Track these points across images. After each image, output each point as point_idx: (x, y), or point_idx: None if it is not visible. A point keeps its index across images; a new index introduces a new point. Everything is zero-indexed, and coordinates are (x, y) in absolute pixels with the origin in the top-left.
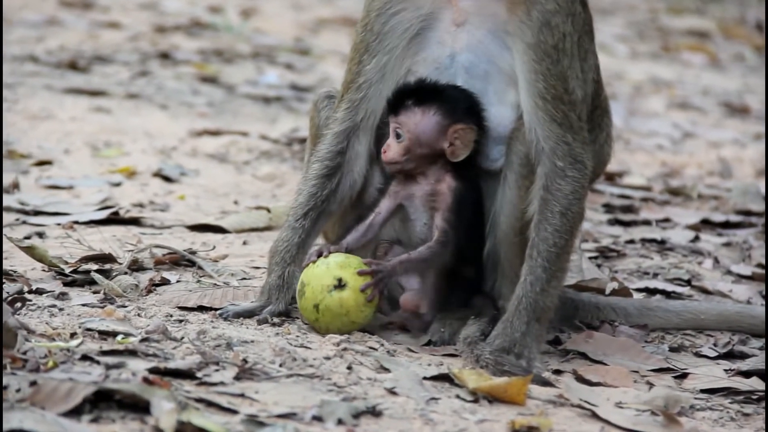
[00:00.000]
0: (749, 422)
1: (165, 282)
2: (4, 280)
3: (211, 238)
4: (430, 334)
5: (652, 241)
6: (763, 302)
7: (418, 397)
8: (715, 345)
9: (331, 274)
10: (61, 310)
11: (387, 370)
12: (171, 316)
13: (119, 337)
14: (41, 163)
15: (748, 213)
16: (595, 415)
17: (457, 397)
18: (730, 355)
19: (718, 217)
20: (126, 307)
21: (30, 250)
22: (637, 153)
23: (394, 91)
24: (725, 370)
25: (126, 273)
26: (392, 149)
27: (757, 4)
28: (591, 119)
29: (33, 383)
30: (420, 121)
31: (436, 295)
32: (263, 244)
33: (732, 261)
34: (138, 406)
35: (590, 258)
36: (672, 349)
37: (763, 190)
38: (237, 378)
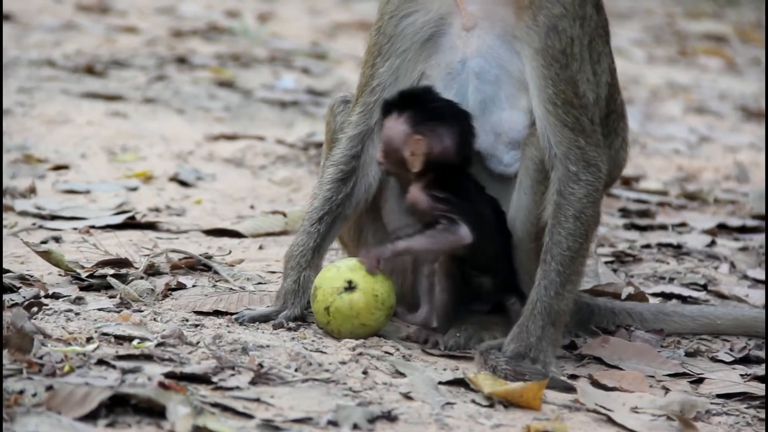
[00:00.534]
0: (765, 427)
1: (181, 286)
2: (21, 285)
3: (227, 242)
4: (445, 338)
5: (669, 245)
6: None
7: (433, 402)
8: (731, 350)
9: (342, 276)
10: (77, 314)
11: (402, 374)
12: (187, 320)
13: (135, 342)
14: (58, 168)
15: (764, 218)
16: (610, 420)
17: (473, 401)
18: (746, 360)
19: (735, 222)
20: (142, 311)
21: (46, 255)
22: (653, 157)
23: (397, 93)
24: (741, 375)
25: (142, 277)
26: (378, 150)
27: None
28: (606, 124)
29: (49, 388)
30: (391, 126)
31: (445, 309)
32: (279, 249)
33: (748, 266)
34: (154, 411)
35: (606, 263)
36: (688, 354)
37: None
38: (252, 383)
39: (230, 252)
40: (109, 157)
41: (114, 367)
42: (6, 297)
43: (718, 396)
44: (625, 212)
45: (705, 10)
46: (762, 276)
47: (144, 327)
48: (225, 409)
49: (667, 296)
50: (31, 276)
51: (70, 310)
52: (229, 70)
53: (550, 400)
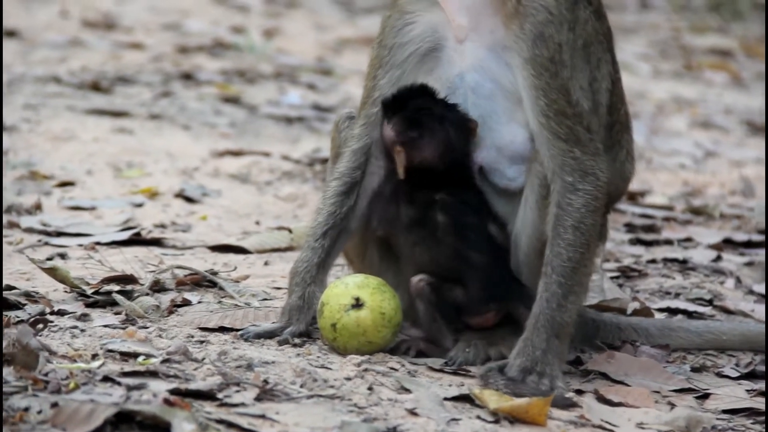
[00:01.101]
0: None
1: (186, 303)
2: (26, 302)
3: (232, 258)
4: (454, 353)
5: (674, 260)
6: None
7: (438, 418)
8: (737, 365)
9: (349, 293)
10: (82, 331)
11: (408, 390)
12: (192, 337)
13: (140, 359)
14: (64, 184)
15: (765, 232)
16: None
17: (478, 417)
18: (752, 376)
19: (741, 237)
20: (147, 328)
21: (52, 272)
22: (659, 172)
23: (395, 90)
24: (747, 391)
25: (147, 294)
26: None
27: None
28: (610, 135)
29: (54, 405)
30: (383, 130)
31: (435, 327)
32: (285, 265)
33: (754, 281)
34: (159, 428)
35: (612, 278)
36: (694, 370)
37: None
38: (258, 399)
39: (236, 268)
40: (115, 173)
41: (119, 383)
42: (11, 314)
43: (724, 411)
44: (630, 227)
45: (710, 25)
46: None
47: (149, 343)
48: (230, 425)
49: (673, 311)
50: (37, 293)
51: (76, 327)
52: (235, 86)
53: (555, 416)
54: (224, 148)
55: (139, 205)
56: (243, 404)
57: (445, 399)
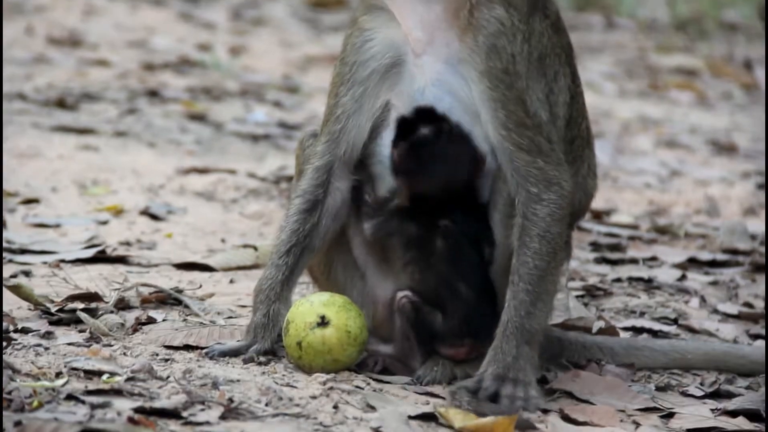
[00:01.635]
0: None
1: (151, 321)
2: None
3: (197, 276)
4: (421, 372)
5: (639, 279)
6: (750, 341)
7: None
8: (701, 384)
9: (315, 311)
10: (46, 349)
11: (373, 408)
12: (157, 355)
13: (105, 377)
14: (28, 201)
15: (735, 252)
16: None
17: None
18: (716, 395)
19: (705, 256)
20: (112, 346)
21: (16, 289)
22: (624, 191)
23: (413, 111)
24: (712, 410)
25: (112, 312)
26: None
27: (746, 42)
28: (571, 150)
29: (18, 423)
30: (391, 150)
31: (409, 345)
32: (250, 283)
33: (719, 300)
34: None
35: (577, 296)
36: (659, 389)
37: (750, 228)
38: (223, 417)
39: (201, 286)
40: (80, 190)
41: (83, 402)
42: None
43: (689, 430)
44: (596, 246)
45: (676, 44)
46: (732, 310)
47: (114, 361)
48: None
49: (638, 330)
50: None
51: (40, 345)
52: (201, 103)
53: None
54: (190, 166)
55: (104, 223)
56: (208, 423)
57: (411, 417)
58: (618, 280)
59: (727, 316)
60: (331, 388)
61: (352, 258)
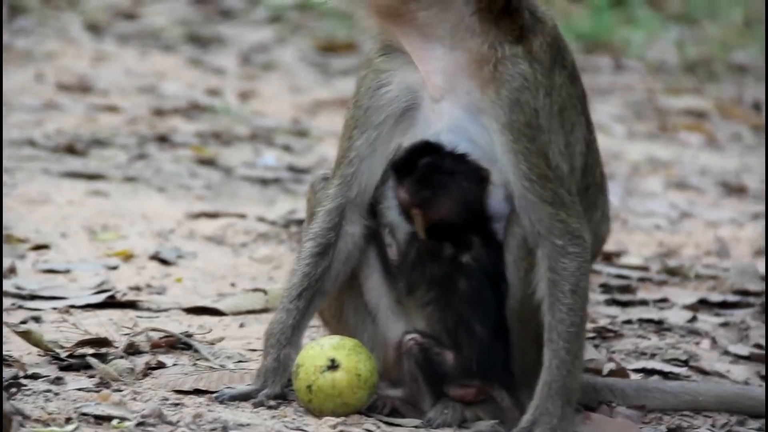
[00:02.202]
0: None
1: (161, 365)
2: None
3: (207, 320)
4: (432, 414)
5: (650, 321)
6: (762, 383)
7: None
8: (713, 426)
9: (325, 355)
10: (56, 394)
11: None
12: (167, 399)
13: (115, 422)
14: (38, 248)
15: (745, 293)
16: None
17: None
18: None
19: (716, 297)
20: (122, 391)
21: (26, 335)
22: (634, 233)
23: (403, 150)
24: None
25: (122, 357)
26: None
27: (755, 83)
28: (586, 197)
29: None
30: (398, 193)
31: (417, 387)
32: (260, 327)
33: (730, 341)
34: None
35: (587, 338)
36: (670, 430)
37: (761, 270)
38: None
39: (210, 330)
40: (90, 236)
41: None
42: None
43: None
44: (606, 288)
45: (685, 86)
46: (743, 351)
47: (124, 406)
48: None
49: (649, 372)
50: (11, 356)
51: (50, 390)
52: (210, 148)
53: None
54: (199, 210)
55: (114, 268)
56: None
57: None
58: (628, 321)
59: (738, 358)
60: None
61: (363, 301)
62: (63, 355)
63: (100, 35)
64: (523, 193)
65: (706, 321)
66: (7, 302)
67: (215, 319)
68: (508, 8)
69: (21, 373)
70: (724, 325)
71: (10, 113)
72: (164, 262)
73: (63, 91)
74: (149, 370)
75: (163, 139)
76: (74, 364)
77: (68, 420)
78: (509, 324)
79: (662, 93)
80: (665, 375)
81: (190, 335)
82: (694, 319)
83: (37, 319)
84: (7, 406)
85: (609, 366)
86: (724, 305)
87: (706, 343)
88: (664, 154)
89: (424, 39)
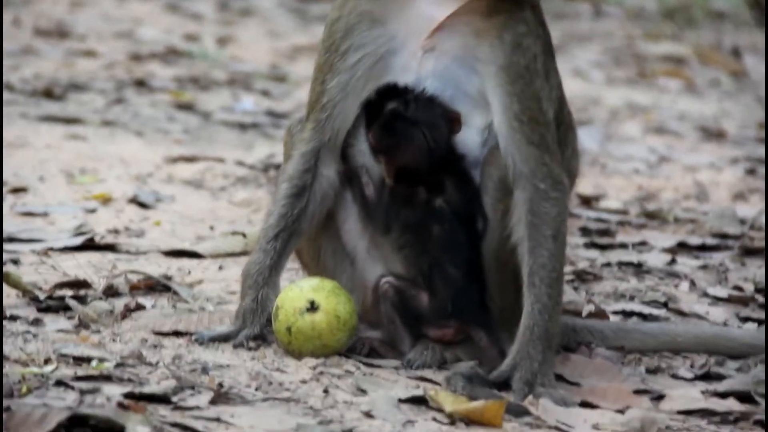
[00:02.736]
0: None
1: (140, 307)
2: None
3: (186, 263)
4: (411, 355)
5: (629, 264)
6: (740, 324)
7: (394, 420)
8: (691, 366)
9: (304, 296)
10: (35, 336)
11: (363, 392)
12: (146, 341)
13: (94, 363)
14: (16, 191)
15: (724, 236)
16: None
17: (434, 419)
18: (706, 377)
19: (695, 241)
20: (100, 332)
21: (4, 277)
22: (613, 177)
23: (372, 93)
24: (702, 392)
25: (101, 299)
26: None
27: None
28: (557, 135)
29: (7, 409)
30: (367, 137)
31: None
32: (239, 269)
33: (708, 284)
34: (113, 431)
35: (567, 281)
36: (649, 371)
37: (740, 213)
38: (212, 402)
39: (190, 272)
40: (68, 179)
41: (72, 387)
42: None
43: (679, 412)
44: (585, 231)
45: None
46: (722, 293)
47: (103, 348)
48: (185, 428)
49: (628, 314)
50: None
51: (28, 332)
52: (189, 92)
53: (511, 418)
54: (178, 154)
55: (92, 211)
56: (198, 408)
57: (401, 401)
58: (608, 264)
59: (716, 300)
60: (321, 373)
61: (341, 244)
62: (42, 297)
63: None
64: (511, 134)
65: (685, 264)
66: None
67: (194, 261)
68: None
69: None
70: (703, 267)
71: None
72: (142, 205)
73: (41, 36)
74: (128, 312)
75: (140, 84)
76: (53, 306)
77: (47, 361)
78: (486, 266)
79: (641, 39)
80: (644, 317)
81: (169, 278)
82: (673, 261)
83: (15, 262)
84: None
85: (588, 308)
86: (703, 248)
87: (685, 285)
88: (642, 99)
89: None
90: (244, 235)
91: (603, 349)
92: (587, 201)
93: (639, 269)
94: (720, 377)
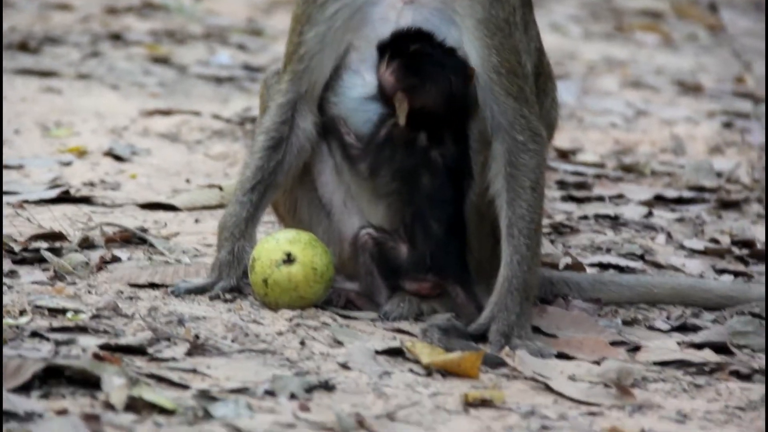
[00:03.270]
0: (701, 393)
1: (116, 259)
2: None
3: (162, 216)
4: (388, 307)
5: (606, 216)
6: (716, 276)
7: (371, 372)
8: (668, 318)
9: (281, 248)
10: (10, 287)
11: (340, 344)
12: (122, 293)
13: (69, 314)
14: None
15: (700, 189)
16: (548, 388)
17: (411, 371)
18: (682, 328)
19: (671, 193)
20: (76, 284)
21: None
22: (590, 131)
23: (392, 34)
24: (678, 343)
25: (76, 251)
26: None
27: None
28: (536, 85)
29: None
30: (381, 72)
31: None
32: (215, 222)
33: (684, 236)
34: (88, 382)
35: (544, 234)
36: (625, 323)
37: (716, 166)
38: (189, 354)
39: (166, 225)
40: (43, 132)
41: (47, 339)
42: None
43: (655, 363)
44: (562, 185)
45: None
46: (698, 246)
47: (78, 299)
48: (160, 380)
49: (605, 266)
50: None
51: (3, 284)
52: (164, 46)
53: (488, 369)
54: (154, 108)
55: (68, 164)
56: (174, 359)
57: (378, 353)
58: (584, 217)
59: (693, 252)
60: (297, 325)
61: (317, 196)
62: (17, 249)
63: None
64: (490, 86)
65: (662, 216)
66: None
67: (170, 214)
68: None
69: None
70: (680, 220)
71: None
72: (118, 158)
73: None
74: (104, 264)
75: (116, 37)
76: (28, 257)
77: (22, 312)
78: (467, 216)
79: None
80: (621, 269)
81: (145, 230)
82: (649, 214)
83: None
84: None
85: (565, 260)
86: (680, 201)
87: (661, 237)
88: (620, 53)
89: None
90: (220, 188)
91: (580, 301)
92: (564, 154)
93: (616, 222)
94: (696, 328)
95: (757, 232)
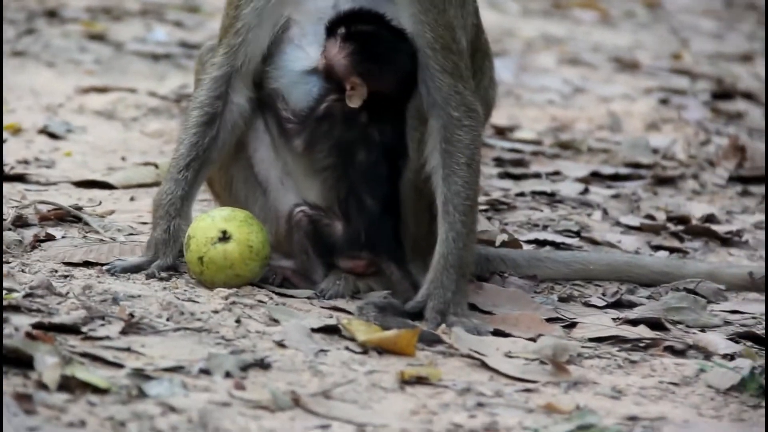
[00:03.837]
0: (636, 369)
1: (50, 238)
2: None
3: (97, 194)
4: (324, 285)
5: (542, 193)
6: (651, 252)
7: (306, 350)
8: (603, 295)
9: (216, 226)
10: None
11: (276, 322)
12: (56, 271)
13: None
14: None
15: (637, 165)
16: (484, 365)
17: (347, 348)
18: (618, 305)
19: (608, 170)
20: (9, 263)
21: None
22: (527, 108)
23: (339, 13)
24: (613, 319)
25: (10, 229)
26: (319, 60)
27: None
28: (473, 63)
29: None
30: (332, 52)
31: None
32: (150, 200)
33: (620, 212)
34: (21, 361)
35: (481, 211)
36: (561, 299)
37: (652, 143)
38: (123, 332)
39: (101, 203)
40: None
41: None
42: None
43: (590, 340)
44: (499, 161)
45: None
46: (634, 222)
47: (11, 278)
48: (94, 358)
49: (541, 243)
50: None
51: None
52: (101, 23)
53: (424, 347)
54: (89, 85)
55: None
56: (108, 338)
57: (313, 330)
58: (521, 194)
59: (628, 228)
60: (233, 303)
61: (253, 173)
62: None
63: None
64: (425, 62)
65: (598, 193)
66: None
67: (105, 192)
68: None
69: None
70: (616, 197)
71: None
72: (53, 136)
73: None
74: (38, 242)
75: (52, 14)
76: None
77: None
78: (402, 195)
79: None
80: (557, 245)
81: (79, 208)
82: (586, 191)
83: None
84: None
85: (502, 237)
86: (616, 177)
87: (597, 214)
88: (557, 30)
89: None
90: (156, 166)
91: (516, 278)
92: (501, 131)
93: (552, 199)
94: (631, 305)
95: (692, 209)
